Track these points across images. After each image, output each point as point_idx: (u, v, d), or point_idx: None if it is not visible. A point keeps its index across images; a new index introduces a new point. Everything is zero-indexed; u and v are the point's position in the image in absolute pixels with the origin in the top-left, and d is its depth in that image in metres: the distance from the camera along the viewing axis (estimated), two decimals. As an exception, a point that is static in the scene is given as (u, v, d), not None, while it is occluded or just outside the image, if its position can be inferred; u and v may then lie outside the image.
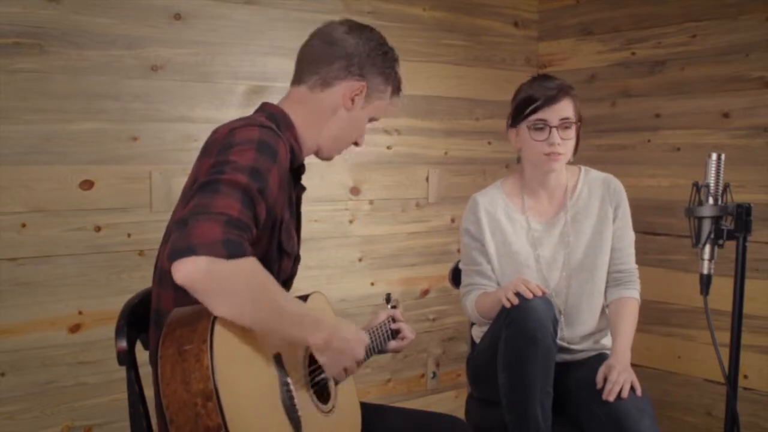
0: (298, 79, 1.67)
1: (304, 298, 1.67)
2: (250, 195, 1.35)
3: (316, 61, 1.65)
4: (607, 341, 2.23)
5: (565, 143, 2.10)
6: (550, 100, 2.08)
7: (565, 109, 2.10)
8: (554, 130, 2.08)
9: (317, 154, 1.71)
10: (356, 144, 1.74)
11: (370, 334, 1.85)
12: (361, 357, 1.52)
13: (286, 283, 1.67)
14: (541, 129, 2.10)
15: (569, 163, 2.21)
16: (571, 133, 2.11)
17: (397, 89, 1.73)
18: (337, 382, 1.65)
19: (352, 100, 1.64)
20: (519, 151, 2.20)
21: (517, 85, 2.21)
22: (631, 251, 2.23)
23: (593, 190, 2.22)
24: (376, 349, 1.87)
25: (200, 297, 1.27)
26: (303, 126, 1.63)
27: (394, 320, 1.94)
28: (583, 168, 2.27)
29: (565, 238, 2.19)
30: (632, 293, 2.20)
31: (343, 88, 1.63)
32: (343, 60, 1.63)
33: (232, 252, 1.26)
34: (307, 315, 1.42)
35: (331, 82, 1.63)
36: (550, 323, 1.91)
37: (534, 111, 2.09)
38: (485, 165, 3.37)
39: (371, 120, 1.72)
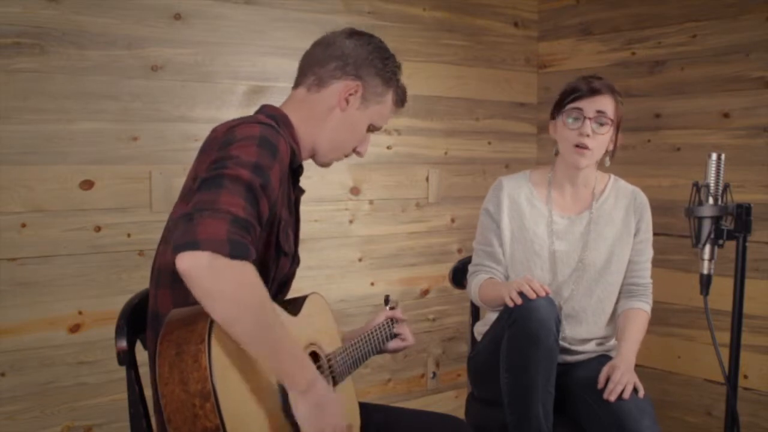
0: (297, 83, 1.69)
1: (302, 298, 1.66)
2: (254, 191, 1.35)
3: (313, 63, 1.66)
4: (611, 344, 2.24)
5: (595, 137, 2.10)
6: (591, 92, 2.11)
7: (603, 104, 2.11)
8: (588, 120, 2.09)
9: (314, 158, 1.70)
10: (357, 153, 1.72)
11: (369, 334, 1.85)
12: (342, 427, 1.41)
13: (284, 284, 1.67)
14: (575, 118, 2.11)
15: (602, 169, 2.22)
16: (605, 130, 2.11)
17: (401, 99, 1.71)
18: (333, 373, 1.64)
19: (347, 101, 1.63)
20: (557, 144, 2.21)
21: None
22: (648, 266, 2.24)
23: (619, 199, 2.23)
24: (375, 350, 1.88)
25: (197, 292, 1.27)
26: (301, 127, 1.63)
27: (392, 321, 1.95)
28: (612, 176, 2.28)
29: (585, 238, 2.19)
30: (643, 305, 2.21)
31: (338, 88, 1.63)
32: (339, 60, 1.63)
33: (235, 252, 1.26)
34: (296, 349, 1.38)
35: (326, 82, 1.63)
36: (553, 323, 1.91)
37: (573, 100, 2.12)
38: (485, 165, 3.37)
39: (371, 129, 1.70)
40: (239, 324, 1.29)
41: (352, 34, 1.67)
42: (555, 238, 2.19)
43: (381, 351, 1.92)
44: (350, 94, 1.63)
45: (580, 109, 2.11)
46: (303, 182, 1.70)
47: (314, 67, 1.65)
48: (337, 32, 1.69)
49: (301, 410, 1.38)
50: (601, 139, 2.11)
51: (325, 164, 1.72)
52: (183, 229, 1.28)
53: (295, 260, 1.68)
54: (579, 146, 2.10)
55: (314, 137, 1.65)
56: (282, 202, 1.53)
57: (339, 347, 1.72)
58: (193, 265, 1.25)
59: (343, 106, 1.63)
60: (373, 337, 1.87)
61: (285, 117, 1.62)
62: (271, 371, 1.38)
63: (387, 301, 2.00)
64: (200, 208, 1.29)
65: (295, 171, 1.64)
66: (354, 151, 1.71)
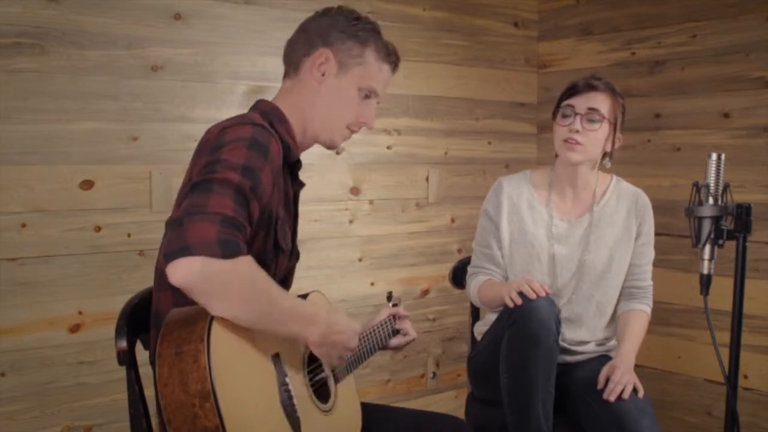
0: (283, 75, 1.68)
1: (302, 297, 1.67)
2: (243, 193, 1.34)
3: (289, 50, 1.66)
4: (611, 345, 2.23)
5: (586, 133, 2.09)
6: (586, 89, 2.10)
7: (596, 100, 2.10)
8: (578, 117, 2.09)
9: (318, 141, 1.67)
10: (363, 124, 1.66)
11: (371, 331, 1.85)
12: (354, 346, 1.53)
13: (284, 280, 1.66)
14: (567, 115, 2.11)
15: (603, 169, 2.22)
16: (596, 126, 2.09)
17: (387, 55, 1.65)
18: (334, 372, 1.66)
19: (321, 72, 1.60)
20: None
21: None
22: (649, 268, 2.24)
23: (621, 201, 2.22)
24: (378, 346, 1.88)
25: (197, 298, 1.27)
26: (294, 117, 1.61)
27: (395, 318, 1.95)
28: (614, 177, 2.27)
29: (586, 241, 2.19)
30: (643, 307, 2.21)
31: (309, 64, 1.61)
32: (305, 38, 1.63)
33: (227, 251, 1.26)
34: (302, 310, 1.42)
35: (299, 63, 1.62)
36: (553, 324, 1.91)
37: (567, 97, 2.13)
38: (485, 165, 3.37)
39: (368, 95, 1.64)
40: (245, 315, 1.31)
41: (321, 11, 1.66)
42: (555, 241, 2.19)
43: (384, 348, 1.92)
44: (321, 64, 1.60)
45: (572, 106, 2.11)
46: (303, 180, 1.69)
47: (289, 54, 1.65)
48: (311, 15, 1.67)
49: (319, 353, 1.48)
50: (592, 136, 2.10)
51: (329, 145, 1.67)
52: (173, 235, 1.27)
53: (294, 255, 1.68)
54: (568, 141, 2.10)
55: (306, 121, 1.62)
56: (278, 200, 1.52)
57: (340, 346, 1.72)
58: (186, 273, 1.24)
59: (318, 78, 1.60)
60: (375, 334, 1.87)
61: (278, 111, 1.60)
62: (287, 338, 1.45)
63: (390, 297, 2.00)
64: (190, 212, 1.29)
65: (293, 166, 1.63)
66: (360, 123, 1.66)
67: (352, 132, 1.67)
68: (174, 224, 1.29)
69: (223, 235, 1.27)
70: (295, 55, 1.64)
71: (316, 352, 1.48)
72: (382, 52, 1.64)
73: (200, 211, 1.29)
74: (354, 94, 1.63)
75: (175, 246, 1.25)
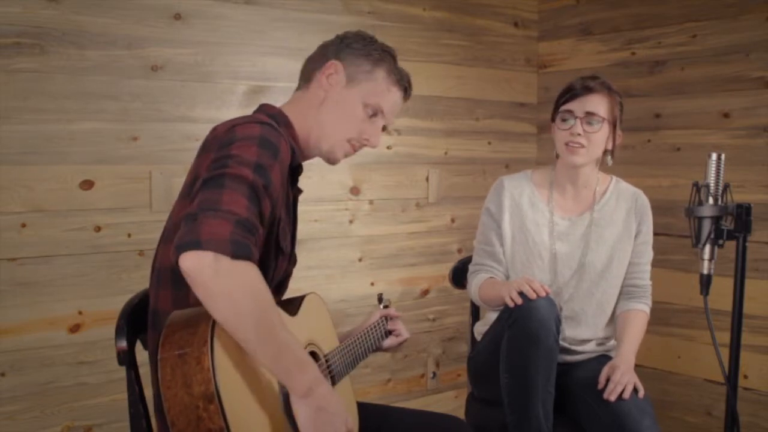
0: (296, 89, 1.72)
1: (299, 298, 1.67)
2: (256, 191, 1.35)
3: (304, 65, 1.71)
4: (611, 344, 2.24)
5: (587, 136, 2.10)
6: (583, 91, 2.11)
7: (594, 103, 2.10)
8: (578, 120, 2.10)
9: (320, 153, 1.67)
10: (367, 142, 1.66)
11: (364, 334, 1.86)
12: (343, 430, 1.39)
13: (282, 284, 1.67)
14: (566, 119, 2.12)
15: (603, 169, 2.22)
16: (596, 128, 2.10)
17: (398, 79, 1.66)
18: (332, 374, 1.64)
19: (329, 81, 1.63)
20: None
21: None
22: (648, 268, 2.24)
23: (620, 201, 2.23)
24: (371, 348, 1.88)
25: (200, 292, 1.27)
26: (298, 124, 1.63)
27: (387, 319, 1.95)
28: (614, 178, 2.28)
29: (586, 239, 2.19)
30: (643, 307, 2.21)
31: (319, 74, 1.64)
32: (321, 53, 1.67)
33: (238, 253, 1.27)
34: (298, 350, 1.36)
35: (311, 75, 1.66)
36: (553, 323, 1.91)
37: (565, 101, 2.13)
38: (485, 165, 3.37)
39: (373, 113, 1.64)
40: (241, 325, 1.28)
41: (339, 34, 1.70)
42: (556, 239, 2.19)
43: (377, 349, 1.93)
44: (330, 74, 1.63)
45: (570, 110, 2.11)
46: (303, 182, 1.70)
47: (304, 69, 1.70)
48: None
49: (302, 414, 1.36)
50: (594, 138, 2.11)
51: (329, 157, 1.67)
52: (186, 229, 1.28)
53: (292, 260, 1.68)
54: (570, 144, 2.11)
55: (310, 129, 1.63)
56: (281, 202, 1.53)
57: (337, 347, 1.72)
58: (196, 264, 1.25)
59: (325, 86, 1.63)
60: (368, 336, 1.87)
61: (283, 116, 1.62)
62: (273, 373, 1.37)
63: (380, 299, 2.01)
64: (204, 208, 1.30)
65: (294, 170, 1.63)
66: (363, 140, 1.66)
67: (354, 148, 1.68)
68: (188, 218, 1.29)
69: (236, 236, 1.28)
70: (308, 69, 1.68)
71: (295, 410, 1.37)
72: (394, 74, 1.66)
73: (214, 207, 1.29)
74: (359, 108, 1.64)
75: (187, 239, 1.26)
